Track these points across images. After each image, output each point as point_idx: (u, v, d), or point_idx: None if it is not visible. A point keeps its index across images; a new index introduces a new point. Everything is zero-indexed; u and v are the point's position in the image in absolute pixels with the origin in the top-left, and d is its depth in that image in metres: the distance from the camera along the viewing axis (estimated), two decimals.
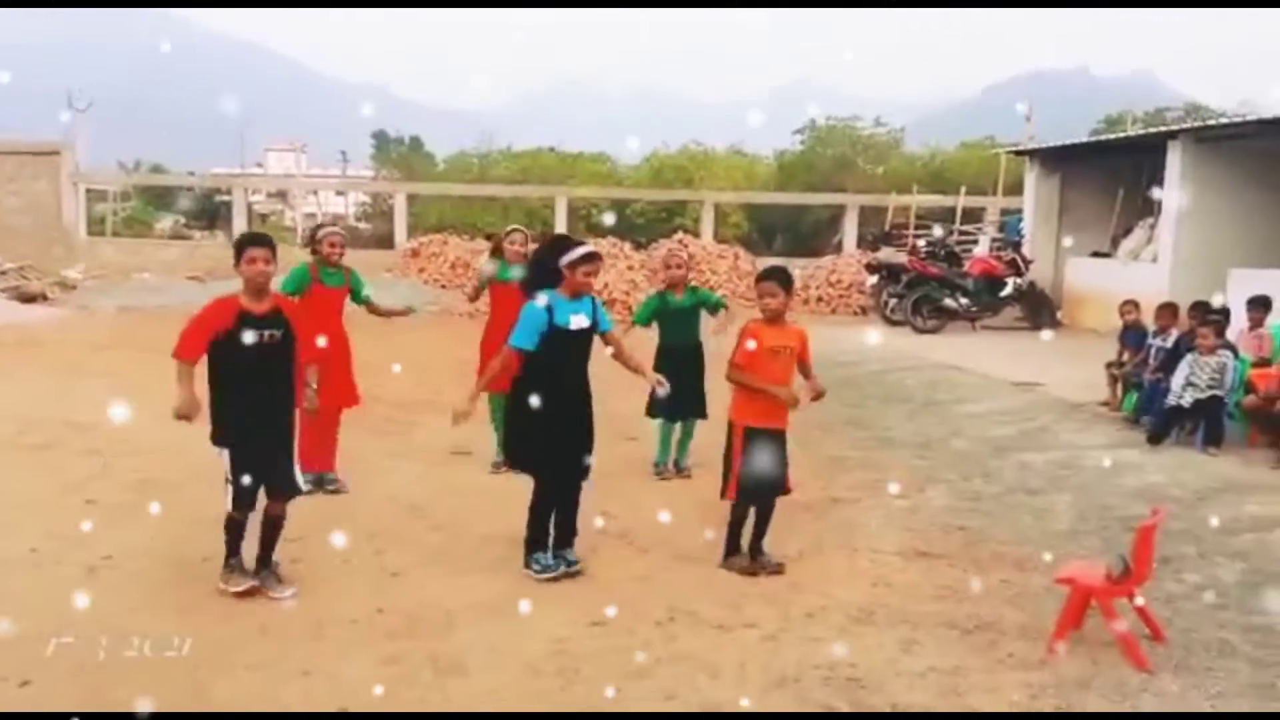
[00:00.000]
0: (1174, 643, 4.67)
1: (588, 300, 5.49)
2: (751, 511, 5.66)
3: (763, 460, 5.51)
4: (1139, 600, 4.75)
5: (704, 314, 7.81)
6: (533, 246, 7.06)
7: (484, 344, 7.64)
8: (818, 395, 5.69)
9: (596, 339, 5.55)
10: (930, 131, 45.96)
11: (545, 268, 5.46)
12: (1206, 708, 4.07)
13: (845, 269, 20.64)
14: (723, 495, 5.66)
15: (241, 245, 5.08)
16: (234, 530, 5.10)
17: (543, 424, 5.34)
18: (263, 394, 4.96)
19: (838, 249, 26.55)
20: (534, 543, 5.50)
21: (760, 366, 5.48)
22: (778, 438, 5.58)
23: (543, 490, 5.47)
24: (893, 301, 17.30)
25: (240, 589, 5.05)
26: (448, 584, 5.34)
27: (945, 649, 4.63)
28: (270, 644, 4.55)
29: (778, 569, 5.57)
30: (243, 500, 4.98)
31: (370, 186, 38.11)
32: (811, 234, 33.09)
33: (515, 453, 5.68)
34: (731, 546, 5.67)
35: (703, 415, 7.58)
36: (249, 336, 4.86)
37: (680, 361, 7.38)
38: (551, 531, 5.54)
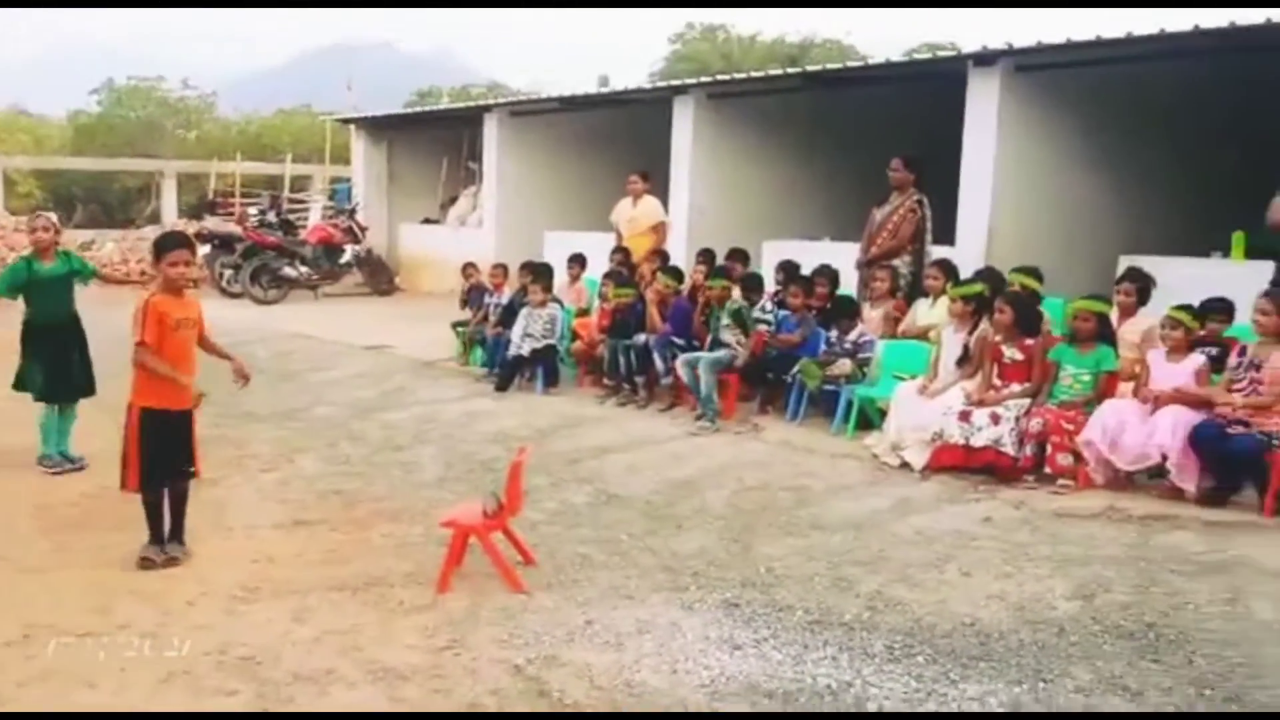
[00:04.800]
0: (543, 564, 5.14)
1: None
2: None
3: (164, 443, 5.11)
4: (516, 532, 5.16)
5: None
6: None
7: None
8: (244, 378, 5.48)
9: None
10: (240, 98, 44.70)
11: None
12: (578, 615, 4.53)
13: None
14: (123, 486, 5.15)
15: None
16: None
17: None
18: None
19: (154, 219, 24.87)
20: None
21: (166, 343, 5.08)
22: (180, 418, 5.17)
23: None
24: (229, 272, 16.61)
25: None
26: None
27: (338, 610, 4.61)
28: None
29: (174, 561, 5.14)
30: None
31: None
32: (121, 204, 30.64)
33: None
34: (155, 534, 5.17)
35: (90, 393, 6.93)
36: None
37: (58, 338, 6.72)
38: None
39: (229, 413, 8.36)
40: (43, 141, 32.88)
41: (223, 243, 16.84)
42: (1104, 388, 6.54)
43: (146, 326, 5.05)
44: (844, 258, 9.47)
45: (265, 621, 4.48)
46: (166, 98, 35.50)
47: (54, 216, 7.16)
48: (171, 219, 23.28)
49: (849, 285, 9.14)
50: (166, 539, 5.19)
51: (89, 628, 4.36)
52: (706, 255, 9.99)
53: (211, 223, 19.37)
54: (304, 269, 16.60)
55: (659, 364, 8.52)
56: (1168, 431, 5.97)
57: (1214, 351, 6.50)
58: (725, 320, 8.37)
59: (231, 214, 21.25)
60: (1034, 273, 7.97)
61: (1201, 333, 6.53)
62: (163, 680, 3.92)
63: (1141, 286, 7.14)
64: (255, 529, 5.68)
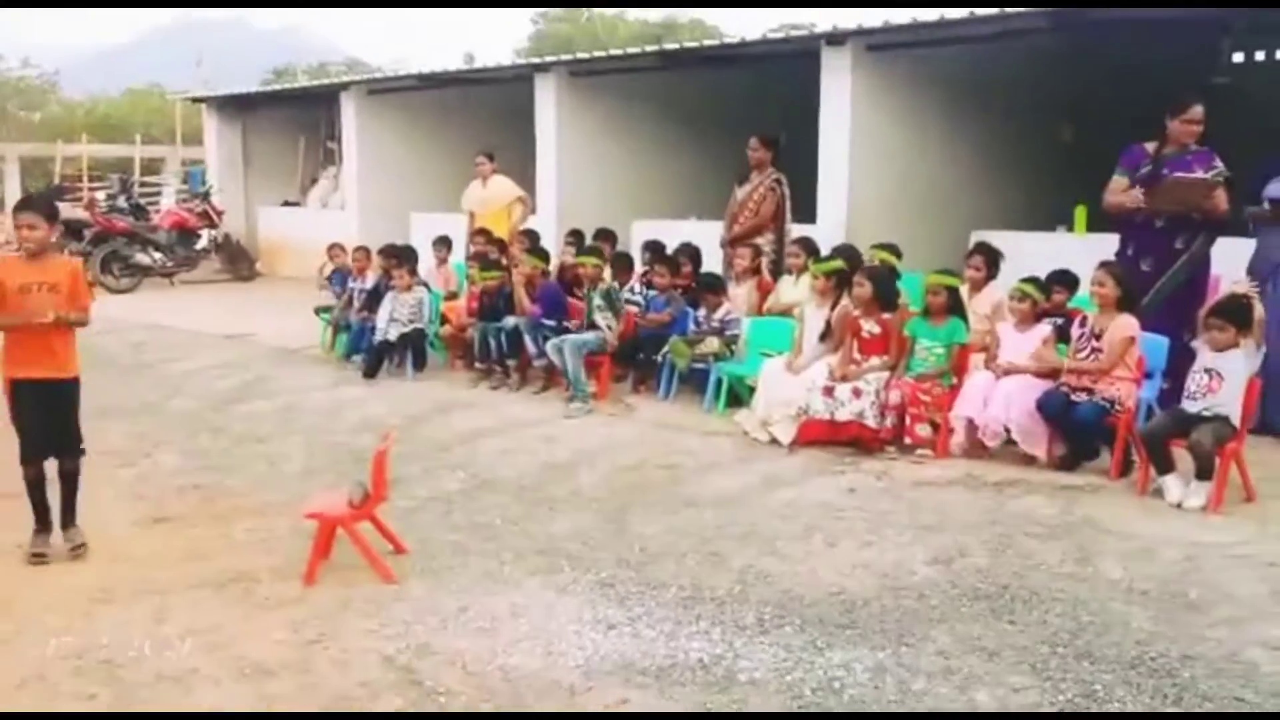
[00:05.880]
0: (415, 552, 5.07)
1: None
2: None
3: (36, 416, 4.98)
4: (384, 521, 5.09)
5: None
6: None
7: None
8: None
9: None
10: (86, 78, 42.69)
11: None
12: (450, 602, 4.50)
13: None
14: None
15: None
16: None
17: None
18: None
19: None
20: None
21: (9, 305, 4.90)
22: (52, 389, 5.02)
23: None
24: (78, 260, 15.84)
25: None
26: None
27: (200, 608, 4.47)
28: None
29: (78, 551, 5.06)
30: None
31: None
32: None
33: None
34: (40, 519, 5.06)
35: None
36: None
37: None
38: None
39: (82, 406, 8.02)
40: None
41: (71, 229, 16.03)
42: (956, 359, 6.79)
43: None
44: (710, 236, 9.58)
45: (125, 622, 4.32)
46: (6, 78, 33.65)
47: None
48: None
49: (715, 264, 9.26)
50: (61, 526, 5.11)
51: None
52: (576, 236, 9.97)
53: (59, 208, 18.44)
54: (158, 255, 15.96)
55: (530, 347, 8.48)
56: (1002, 405, 6.24)
57: (1059, 322, 6.82)
58: (598, 302, 8.38)
59: (79, 199, 20.27)
60: (893, 249, 8.23)
61: (1047, 304, 6.84)
62: (17, 687, 3.77)
63: (990, 260, 7.42)
64: (112, 527, 5.46)
